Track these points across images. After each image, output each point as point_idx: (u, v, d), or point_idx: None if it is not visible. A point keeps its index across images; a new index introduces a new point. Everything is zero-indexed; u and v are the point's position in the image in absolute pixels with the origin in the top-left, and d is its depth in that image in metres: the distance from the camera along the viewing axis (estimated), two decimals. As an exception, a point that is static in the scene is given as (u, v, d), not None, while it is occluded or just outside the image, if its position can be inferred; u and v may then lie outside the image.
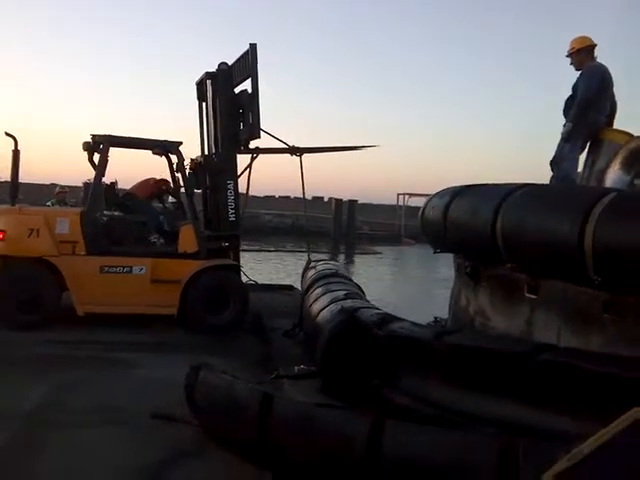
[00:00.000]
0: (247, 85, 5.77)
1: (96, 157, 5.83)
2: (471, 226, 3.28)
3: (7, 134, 5.42)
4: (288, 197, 30.27)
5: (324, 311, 4.27)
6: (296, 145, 6.07)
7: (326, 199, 31.06)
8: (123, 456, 2.90)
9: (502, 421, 2.51)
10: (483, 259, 3.48)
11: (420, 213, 4.21)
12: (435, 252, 4.38)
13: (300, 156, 6.05)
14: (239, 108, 5.87)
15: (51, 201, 8.36)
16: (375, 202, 34.74)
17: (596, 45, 4.48)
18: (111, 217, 5.94)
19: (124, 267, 5.49)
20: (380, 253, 23.69)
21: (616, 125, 4.59)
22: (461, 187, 3.60)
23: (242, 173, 5.97)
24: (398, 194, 34.64)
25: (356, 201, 28.25)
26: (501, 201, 3.04)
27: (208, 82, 6.01)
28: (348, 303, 4.20)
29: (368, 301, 4.80)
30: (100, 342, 4.94)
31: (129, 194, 6.44)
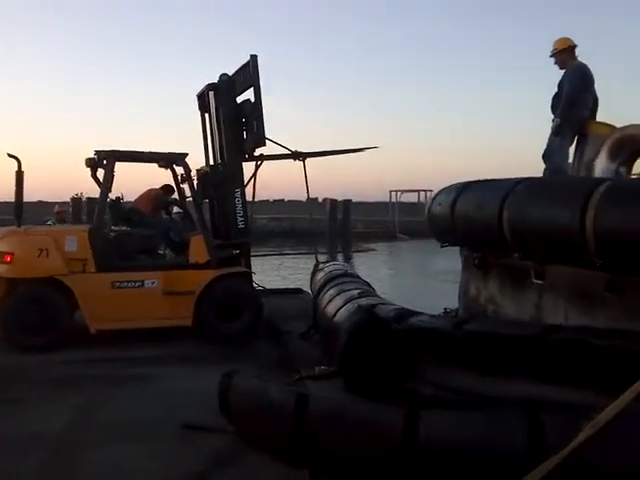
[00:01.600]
0: (248, 95, 6.00)
1: (100, 173, 5.97)
2: (479, 219, 3.54)
3: (10, 155, 5.49)
4: (282, 200, 30.59)
5: (341, 310, 4.43)
6: (298, 150, 6.30)
7: (320, 200, 31.35)
8: (159, 471, 2.96)
9: (523, 400, 2.74)
10: (491, 250, 3.75)
11: (427, 210, 4.47)
12: (442, 246, 4.65)
13: (303, 161, 6.28)
14: (242, 117, 6.08)
15: (52, 220, 8.43)
16: (366, 200, 35.21)
17: (577, 45, 4.86)
18: (119, 232, 6.07)
19: (135, 282, 5.57)
20: (375, 250, 24.07)
21: (598, 118, 4.95)
22: (466, 183, 3.88)
23: (249, 182, 6.19)
24: (390, 191, 35.27)
25: (350, 200, 28.60)
26: (506, 194, 3.30)
27: (210, 93, 6.20)
28: (364, 301, 4.40)
29: (382, 298, 5.01)
30: (117, 359, 4.95)
31: (135, 208, 6.59)
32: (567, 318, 3.29)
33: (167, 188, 6.55)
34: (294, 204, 32.12)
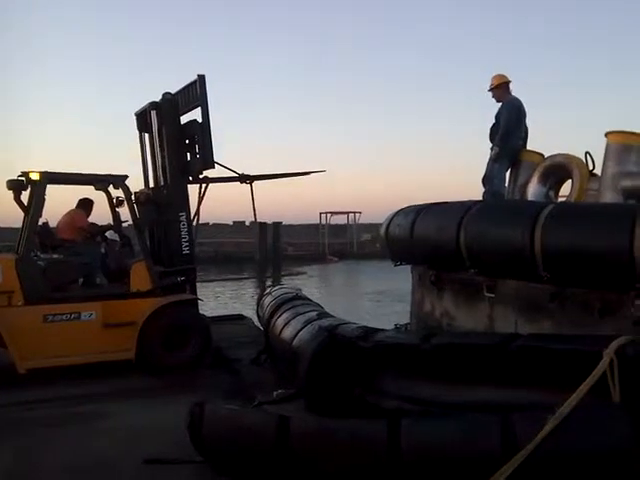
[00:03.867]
0: (194, 115, 6.04)
1: (24, 196, 5.67)
2: (437, 239, 3.95)
3: None
4: (207, 224, 30.07)
5: (301, 333, 4.58)
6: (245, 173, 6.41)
7: (247, 223, 31.29)
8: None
9: (488, 404, 3.08)
10: (448, 267, 4.15)
11: (384, 231, 4.82)
12: (396, 265, 5.02)
13: (250, 184, 6.40)
14: (187, 138, 6.09)
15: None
16: (296, 222, 35.70)
17: (511, 81, 5.63)
18: (50, 260, 5.77)
19: (71, 314, 5.36)
20: (305, 273, 24.49)
21: (529, 147, 5.68)
22: (423, 206, 4.29)
23: (199, 207, 6.16)
24: (320, 213, 36.07)
25: (280, 223, 28.85)
26: (462, 216, 3.73)
27: (153, 112, 6.12)
28: (324, 322, 4.60)
29: (341, 318, 5.21)
30: (55, 399, 4.64)
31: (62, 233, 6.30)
32: (517, 327, 3.76)
33: (84, 202, 6.26)
34: (218, 227, 31.76)
